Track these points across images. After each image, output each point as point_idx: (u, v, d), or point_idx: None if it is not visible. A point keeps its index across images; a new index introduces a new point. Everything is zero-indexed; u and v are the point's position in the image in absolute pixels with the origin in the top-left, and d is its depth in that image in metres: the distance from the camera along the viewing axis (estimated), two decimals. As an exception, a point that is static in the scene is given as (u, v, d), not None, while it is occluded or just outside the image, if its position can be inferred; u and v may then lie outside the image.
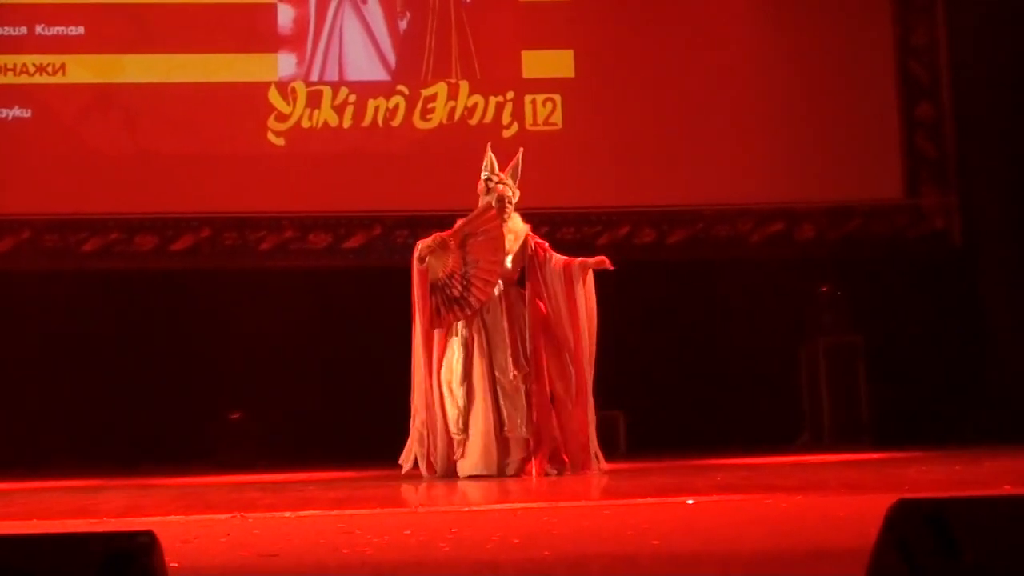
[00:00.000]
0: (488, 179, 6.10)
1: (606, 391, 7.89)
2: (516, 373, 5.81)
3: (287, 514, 4.09)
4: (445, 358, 5.89)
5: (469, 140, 8.35)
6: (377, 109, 8.37)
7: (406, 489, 5.41)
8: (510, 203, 6.06)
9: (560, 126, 8.44)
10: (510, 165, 6.15)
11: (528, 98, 8.43)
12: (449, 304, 5.85)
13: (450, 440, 5.84)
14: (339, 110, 8.36)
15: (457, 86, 8.42)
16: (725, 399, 7.94)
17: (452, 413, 5.83)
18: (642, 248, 8.42)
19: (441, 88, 8.42)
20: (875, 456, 6.64)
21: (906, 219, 8.52)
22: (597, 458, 5.90)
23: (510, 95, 8.41)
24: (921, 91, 8.57)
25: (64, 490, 5.76)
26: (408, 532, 3.46)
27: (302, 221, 8.31)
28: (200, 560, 2.99)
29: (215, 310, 8.03)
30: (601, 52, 8.48)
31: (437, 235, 5.98)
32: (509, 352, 5.82)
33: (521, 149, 6.28)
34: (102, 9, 8.31)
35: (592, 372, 5.95)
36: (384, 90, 8.41)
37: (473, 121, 8.39)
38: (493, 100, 8.40)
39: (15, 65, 8.21)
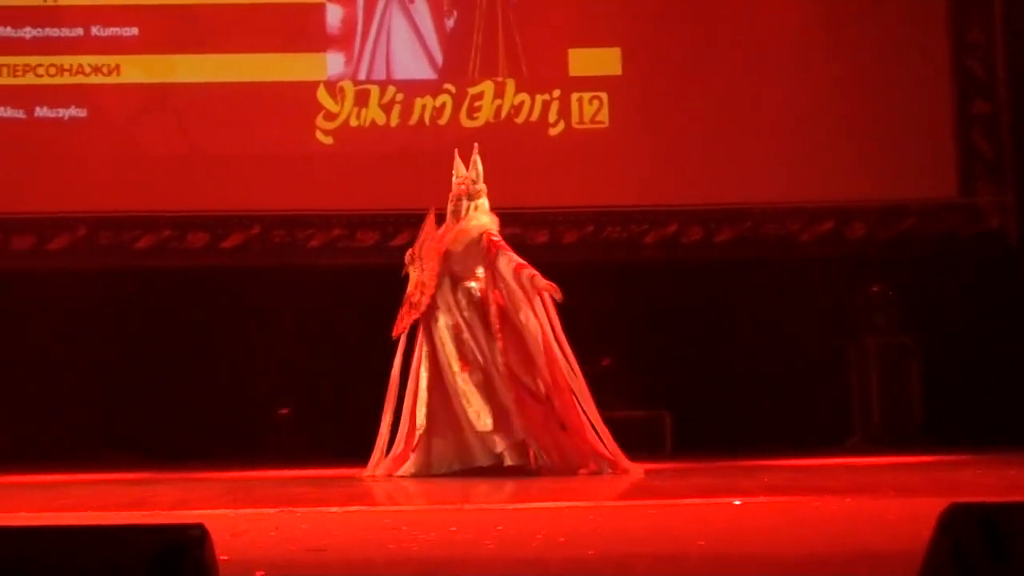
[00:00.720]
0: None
1: (652, 391, 7.90)
2: (461, 368, 5.82)
3: (334, 509, 4.13)
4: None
5: (515, 138, 8.37)
6: (424, 108, 8.40)
7: (452, 486, 5.43)
8: (464, 199, 6.14)
9: (607, 124, 8.42)
10: (469, 161, 6.22)
11: (575, 96, 8.42)
12: (408, 308, 6.07)
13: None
14: (386, 109, 8.40)
15: (504, 84, 8.43)
16: (773, 399, 7.87)
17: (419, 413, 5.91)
18: (689, 247, 8.38)
19: (488, 86, 8.43)
20: (927, 459, 6.56)
21: (960, 218, 8.40)
22: (612, 466, 5.79)
23: (556, 93, 8.40)
24: (977, 88, 8.44)
25: (118, 483, 5.85)
26: (454, 529, 3.48)
27: (350, 219, 8.37)
28: (249, 553, 3.02)
29: (265, 307, 8.11)
30: (649, 49, 8.44)
31: (409, 251, 6.22)
32: (454, 348, 5.87)
33: (476, 144, 6.33)
34: (156, 10, 8.42)
35: (571, 373, 5.88)
36: (431, 89, 8.44)
37: (519, 119, 8.39)
38: (539, 98, 8.40)
39: (71, 65, 8.34)
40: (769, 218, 8.38)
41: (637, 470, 5.79)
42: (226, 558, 2.70)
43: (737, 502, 4.09)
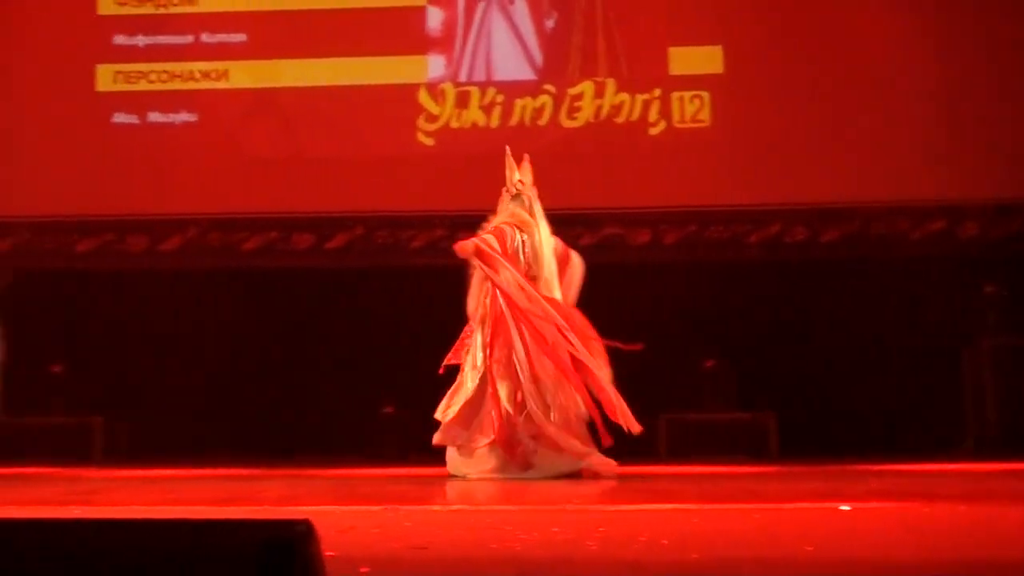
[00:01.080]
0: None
1: (756, 393, 7.79)
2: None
3: (437, 507, 4.16)
4: None
5: (616, 138, 8.33)
6: (524, 108, 8.42)
7: (555, 486, 5.42)
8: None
9: (708, 123, 8.33)
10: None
11: (675, 95, 8.35)
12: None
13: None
14: (487, 110, 8.44)
15: (604, 84, 8.40)
16: (882, 402, 7.70)
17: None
18: (794, 247, 8.24)
19: (587, 86, 8.41)
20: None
21: (1076, 216, 8.12)
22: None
23: (657, 92, 8.34)
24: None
25: (227, 479, 5.97)
26: (556, 530, 3.47)
27: (452, 220, 8.42)
28: (354, 550, 3.06)
29: (368, 306, 8.22)
30: (751, 46, 8.33)
31: None
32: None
33: (507, 147, 6.33)
34: (262, 16, 8.60)
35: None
36: (531, 89, 8.45)
37: (620, 119, 8.35)
38: (640, 98, 8.35)
39: (182, 72, 8.56)
40: (877, 217, 8.20)
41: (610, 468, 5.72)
42: (332, 554, 2.74)
43: (845, 507, 4.00)
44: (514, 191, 6.22)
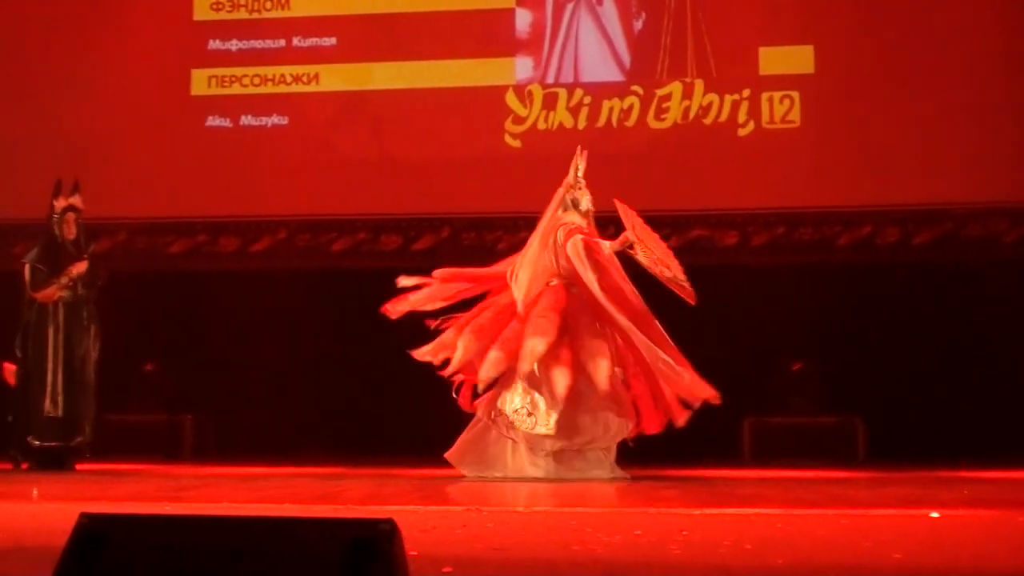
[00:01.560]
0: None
1: (844, 396, 7.67)
2: None
3: (520, 509, 4.17)
4: None
5: (704, 140, 8.27)
6: (611, 110, 8.40)
7: (636, 489, 5.40)
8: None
9: (798, 123, 8.22)
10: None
11: (765, 96, 8.26)
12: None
13: None
14: (574, 111, 8.44)
15: (692, 85, 8.34)
16: (973, 407, 7.53)
17: None
18: (886, 249, 8.10)
19: (676, 87, 8.36)
20: None
21: None
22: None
23: (746, 93, 8.26)
24: None
25: (312, 477, 6.06)
26: (639, 532, 3.46)
27: (538, 222, 8.43)
28: (437, 550, 3.08)
29: (454, 307, 8.25)
30: (843, 46, 8.20)
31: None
32: None
33: (579, 147, 6.28)
34: (353, 20, 8.71)
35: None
36: (618, 91, 8.43)
37: (708, 120, 8.29)
38: (728, 99, 8.28)
39: (274, 76, 8.72)
40: (972, 219, 8.02)
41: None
42: (415, 553, 2.77)
43: (935, 514, 3.92)
44: (578, 190, 6.18)
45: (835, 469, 6.63)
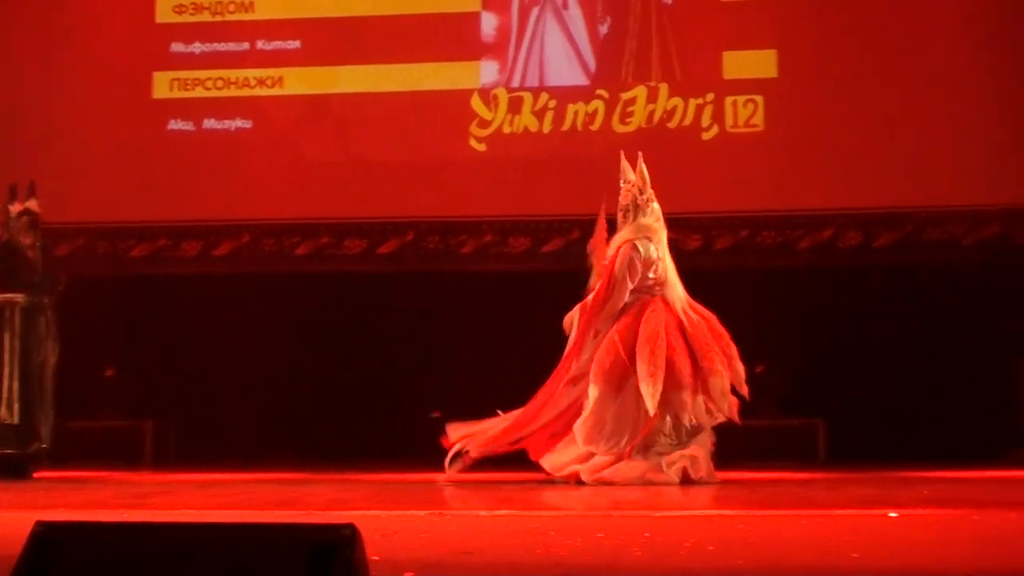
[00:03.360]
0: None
1: (805, 398, 7.72)
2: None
3: (483, 513, 4.16)
4: None
5: (668, 143, 8.30)
6: (576, 113, 8.42)
7: (599, 492, 5.41)
8: (630, 209, 6.13)
9: (762, 127, 8.28)
10: (637, 169, 6.16)
11: (729, 100, 8.31)
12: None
13: None
14: (539, 115, 8.45)
15: (657, 89, 8.38)
16: (932, 409, 7.61)
17: None
18: (847, 252, 8.17)
19: (640, 91, 8.39)
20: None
21: None
22: None
23: (710, 97, 8.31)
24: None
25: (274, 482, 6.03)
26: (601, 535, 3.47)
27: (502, 225, 8.45)
28: (399, 554, 3.08)
29: (418, 311, 8.26)
30: (806, 51, 8.27)
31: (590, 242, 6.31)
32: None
33: (640, 153, 6.24)
34: (318, 23, 8.68)
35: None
36: (584, 95, 8.45)
37: (672, 124, 8.33)
38: (693, 102, 8.32)
39: (238, 79, 8.67)
40: (932, 222, 8.10)
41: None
42: (377, 558, 2.76)
43: (893, 514, 3.96)
44: (632, 195, 6.12)
45: (796, 470, 6.68)
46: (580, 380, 5.90)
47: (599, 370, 5.75)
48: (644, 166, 6.17)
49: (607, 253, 6.11)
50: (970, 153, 8.01)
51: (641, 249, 5.97)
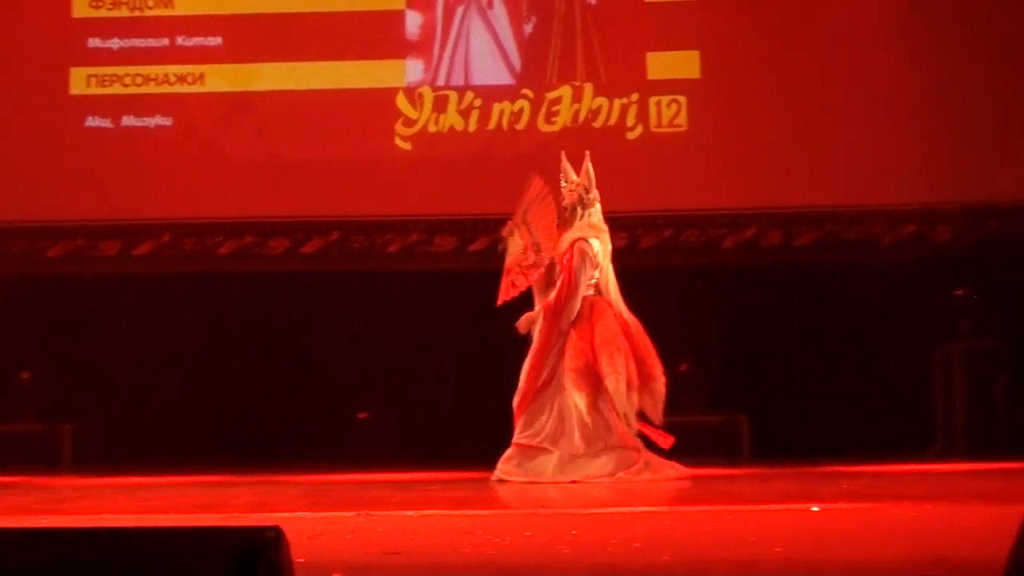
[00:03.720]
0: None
1: (729, 396, 7.82)
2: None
3: (410, 513, 4.16)
4: None
5: (593, 143, 8.32)
6: (502, 113, 8.42)
7: (524, 491, 5.43)
8: (577, 207, 6.18)
9: (685, 127, 8.36)
10: (583, 169, 6.18)
11: (653, 100, 8.37)
12: (525, 269, 6.04)
13: None
14: (465, 114, 8.44)
15: (581, 89, 8.42)
16: (854, 405, 7.74)
17: None
18: (769, 251, 8.29)
19: (565, 91, 8.43)
20: (1011, 466, 6.40)
21: (1048, 219, 8.18)
22: None
23: (635, 97, 8.37)
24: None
25: (198, 486, 5.95)
26: (529, 533, 3.48)
27: (428, 224, 8.43)
28: (326, 556, 3.06)
29: (343, 311, 8.20)
30: (728, 52, 8.36)
31: (509, 222, 6.25)
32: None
33: (587, 152, 6.33)
34: (240, 20, 8.56)
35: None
36: (509, 94, 8.46)
37: (597, 123, 8.37)
38: (618, 102, 8.37)
39: (157, 75, 8.52)
40: (851, 221, 8.25)
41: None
42: (303, 560, 2.74)
43: (815, 508, 4.03)
44: (576, 195, 6.15)
45: (721, 467, 6.76)
46: (550, 383, 5.96)
47: (578, 378, 5.87)
48: (590, 165, 6.23)
49: (559, 247, 6.12)
50: (889, 153, 8.17)
51: (595, 245, 6.04)
